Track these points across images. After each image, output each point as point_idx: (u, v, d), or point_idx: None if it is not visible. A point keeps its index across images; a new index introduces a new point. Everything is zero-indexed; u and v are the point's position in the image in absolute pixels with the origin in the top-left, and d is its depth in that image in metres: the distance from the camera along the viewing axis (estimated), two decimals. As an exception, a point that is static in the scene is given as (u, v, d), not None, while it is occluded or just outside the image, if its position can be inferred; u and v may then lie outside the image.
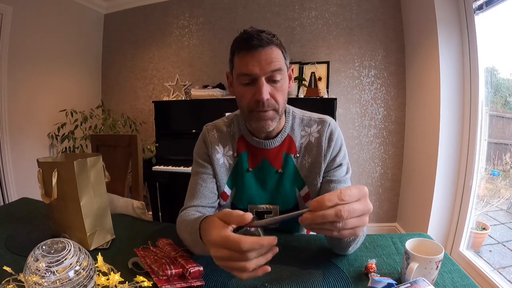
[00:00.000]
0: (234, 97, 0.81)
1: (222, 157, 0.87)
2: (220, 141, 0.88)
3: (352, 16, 2.42)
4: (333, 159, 0.84)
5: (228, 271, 0.52)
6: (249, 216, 0.51)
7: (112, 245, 0.80)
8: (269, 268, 0.51)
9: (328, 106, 2.16)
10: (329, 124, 0.85)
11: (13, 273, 0.59)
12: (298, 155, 0.85)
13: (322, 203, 0.47)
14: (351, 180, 0.86)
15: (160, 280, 0.60)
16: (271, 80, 0.73)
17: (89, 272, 0.55)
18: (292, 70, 0.82)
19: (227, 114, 0.97)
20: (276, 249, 0.51)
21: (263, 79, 0.72)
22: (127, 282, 0.60)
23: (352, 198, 0.48)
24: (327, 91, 2.33)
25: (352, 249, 0.70)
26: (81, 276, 0.53)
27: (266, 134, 0.84)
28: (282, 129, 0.85)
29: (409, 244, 0.61)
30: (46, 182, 0.79)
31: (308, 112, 0.90)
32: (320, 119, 0.86)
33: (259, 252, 0.49)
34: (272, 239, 0.49)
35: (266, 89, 0.72)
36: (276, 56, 0.73)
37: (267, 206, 0.88)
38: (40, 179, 0.80)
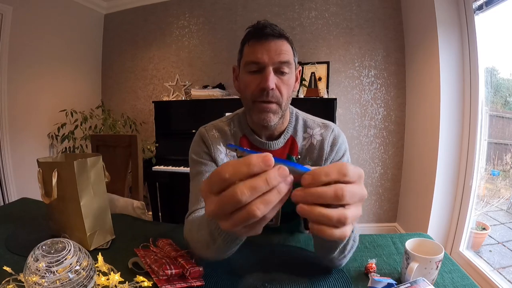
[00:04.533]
0: (235, 97, 0.80)
1: (225, 157, 0.85)
2: (222, 140, 0.86)
3: (352, 16, 2.42)
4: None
5: (236, 228, 0.33)
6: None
7: (112, 245, 0.80)
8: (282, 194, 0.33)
9: (328, 106, 2.15)
10: (332, 130, 0.84)
11: (13, 273, 0.59)
12: (299, 157, 0.84)
13: (317, 177, 0.33)
14: None
15: (160, 280, 0.60)
16: (279, 72, 0.73)
17: (89, 272, 0.55)
18: (299, 71, 0.82)
19: (226, 114, 0.96)
20: (290, 177, 0.33)
21: (271, 68, 0.71)
22: (127, 282, 0.60)
23: (354, 177, 0.35)
24: (327, 91, 2.33)
25: (343, 260, 0.62)
26: (81, 276, 0.53)
27: (269, 134, 0.82)
28: (285, 129, 0.84)
29: (409, 244, 0.61)
30: (46, 182, 0.79)
31: (311, 115, 0.90)
32: (324, 124, 0.86)
33: (249, 176, 0.31)
34: (265, 155, 0.31)
35: (273, 79, 0.71)
36: (286, 49, 0.73)
37: None
38: (40, 179, 0.80)
